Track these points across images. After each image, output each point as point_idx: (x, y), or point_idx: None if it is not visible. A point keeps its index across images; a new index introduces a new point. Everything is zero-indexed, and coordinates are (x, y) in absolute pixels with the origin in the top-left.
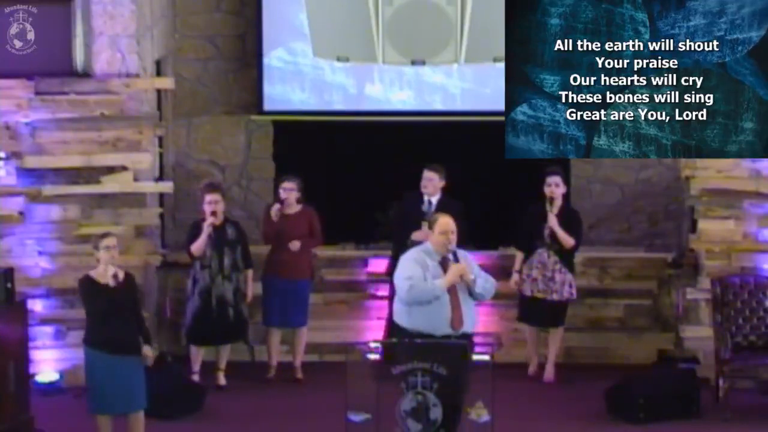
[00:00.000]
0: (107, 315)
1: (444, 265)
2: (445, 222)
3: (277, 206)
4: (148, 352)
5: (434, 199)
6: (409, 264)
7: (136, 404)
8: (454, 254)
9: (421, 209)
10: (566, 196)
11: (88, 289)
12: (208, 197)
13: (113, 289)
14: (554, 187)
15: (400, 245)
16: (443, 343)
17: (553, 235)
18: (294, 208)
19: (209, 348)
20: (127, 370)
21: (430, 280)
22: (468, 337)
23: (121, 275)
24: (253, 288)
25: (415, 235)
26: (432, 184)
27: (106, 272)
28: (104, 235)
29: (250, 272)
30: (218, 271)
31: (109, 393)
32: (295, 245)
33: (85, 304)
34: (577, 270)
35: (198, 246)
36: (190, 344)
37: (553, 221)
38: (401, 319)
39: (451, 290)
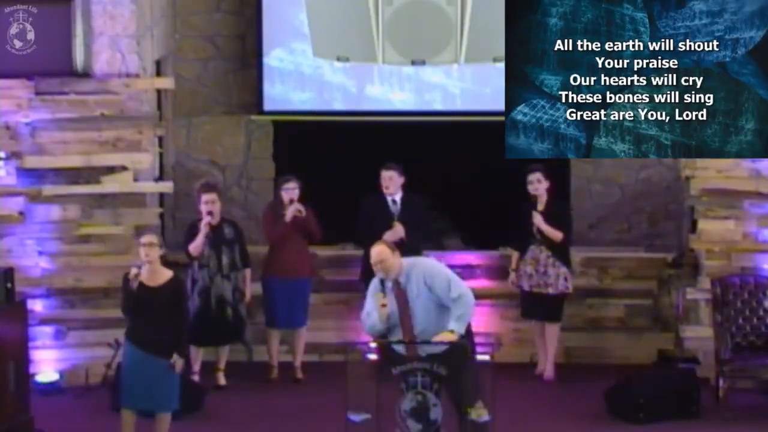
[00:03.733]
0: (135, 311)
1: (396, 291)
2: (373, 253)
3: (298, 206)
4: (177, 360)
5: (398, 198)
6: (368, 296)
7: (163, 405)
8: (395, 281)
9: (388, 210)
10: (565, 197)
11: (123, 284)
12: (205, 197)
13: (148, 287)
14: (536, 183)
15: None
16: (443, 343)
17: (540, 231)
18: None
19: (208, 348)
20: (154, 369)
21: (372, 313)
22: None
23: (162, 275)
24: (251, 288)
25: (387, 237)
26: (393, 183)
27: (143, 269)
28: (144, 233)
29: (248, 271)
30: (217, 270)
31: (133, 387)
32: (291, 211)
33: (122, 298)
34: (577, 270)
35: (196, 246)
36: (190, 345)
37: (537, 219)
38: None
39: (402, 311)
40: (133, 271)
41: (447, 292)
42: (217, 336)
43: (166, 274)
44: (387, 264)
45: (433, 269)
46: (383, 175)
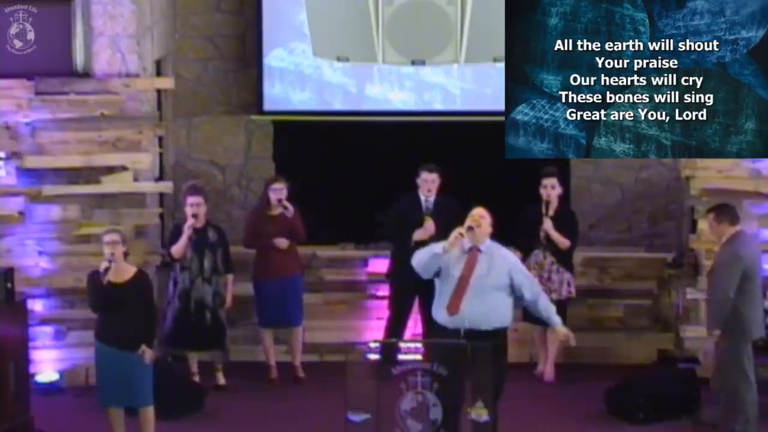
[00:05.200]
0: (106, 309)
1: (471, 255)
2: (478, 209)
3: (286, 204)
4: (146, 351)
5: (432, 199)
6: (435, 243)
7: (138, 400)
8: (475, 247)
9: (421, 210)
10: (565, 197)
11: (90, 282)
12: (190, 199)
13: (114, 284)
14: (550, 189)
15: (401, 247)
16: (443, 343)
17: (548, 236)
18: (279, 208)
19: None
20: (128, 365)
21: (435, 247)
22: (486, 334)
23: (126, 272)
24: (234, 292)
25: (418, 235)
26: (435, 186)
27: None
28: (107, 231)
29: (230, 277)
30: (198, 273)
31: (109, 385)
32: (282, 243)
33: (87, 297)
34: (577, 270)
35: (178, 248)
36: (170, 347)
37: (547, 224)
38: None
39: (463, 277)
40: (104, 264)
41: (531, 285)
42: (195, 340)
43: (131, 270)
44: (485, 222)
45: (516, 259)
46: (426, 178)
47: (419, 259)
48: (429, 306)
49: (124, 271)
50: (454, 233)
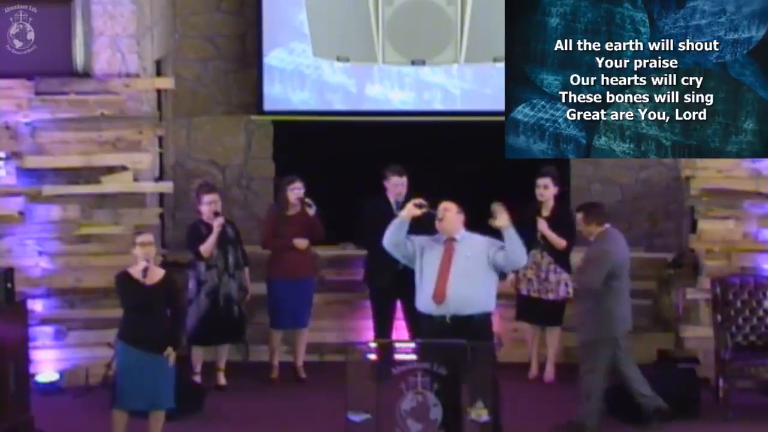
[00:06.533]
0: (138, 311)
1: (447, 244)
2: (444, 203)
3: (308, 201)
4: (171, 352)
5: (401, 200)
6: None
7: (160, 403)
8: (450, 237)
9: (392, 213)
10: (562, 196)
11: (121, 284)
12: (207, 198)
13: (145, 285)
14: (543, 189)
15: (376, 251)
16: (443, 343)
17: (544, 236)
18: (297, 208)
19: (208, 348)
20: (154, 367)
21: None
22: (470, 319)
23: (156, 273)
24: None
25: None
26: (405, 188)
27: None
28: (140, 233)
29: (247, 270)
30: (224, 269)
31: (131, 388)
32: (302, 243)
33: (119, 299)
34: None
35: (208, 246)
36: (194, 345)
37: (542, 225)
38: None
39: (443, 266)
40: (143, 263)
41: (499, 244)
42: (221, 334)
43: (159, 272)
44: (450, 213)
45: (487, 238)
46: (396, 182)
47: (386, 238)
48: (410, 310)
49: (153, 273)
50: (408, 204)
